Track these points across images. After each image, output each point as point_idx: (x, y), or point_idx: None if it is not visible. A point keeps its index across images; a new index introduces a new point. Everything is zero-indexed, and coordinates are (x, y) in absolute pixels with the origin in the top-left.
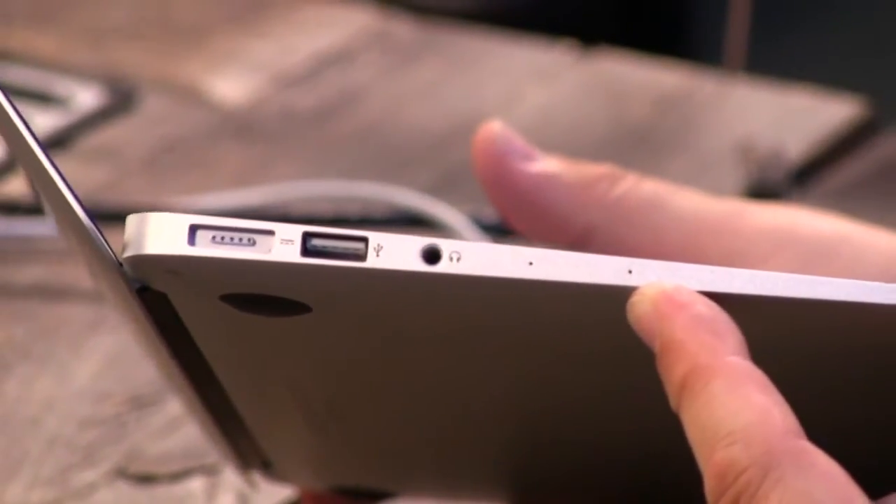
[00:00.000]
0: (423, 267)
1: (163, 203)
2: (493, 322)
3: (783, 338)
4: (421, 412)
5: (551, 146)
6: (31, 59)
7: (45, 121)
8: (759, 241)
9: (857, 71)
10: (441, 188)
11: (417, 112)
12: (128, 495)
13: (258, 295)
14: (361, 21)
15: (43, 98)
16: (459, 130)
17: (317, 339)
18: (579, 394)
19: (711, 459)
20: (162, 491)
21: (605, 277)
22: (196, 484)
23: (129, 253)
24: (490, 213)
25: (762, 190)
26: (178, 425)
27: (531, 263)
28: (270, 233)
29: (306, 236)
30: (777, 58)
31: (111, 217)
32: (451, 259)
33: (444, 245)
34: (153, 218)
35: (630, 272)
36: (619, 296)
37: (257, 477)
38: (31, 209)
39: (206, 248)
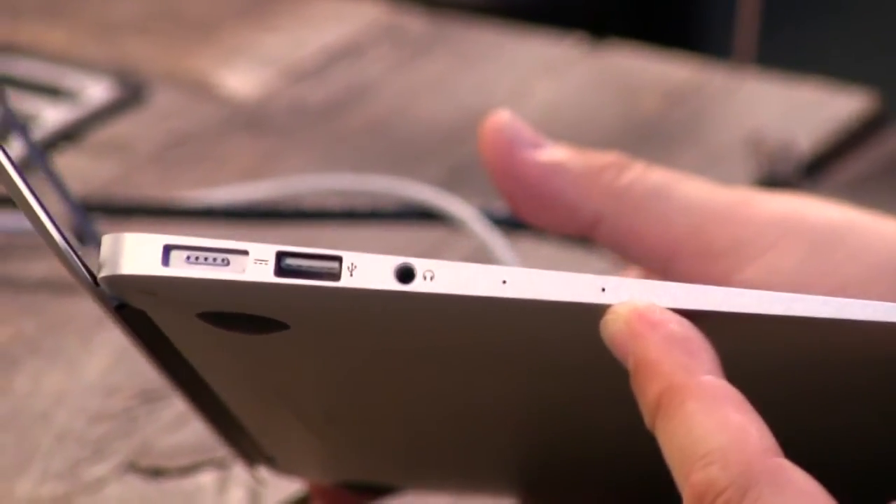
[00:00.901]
0: (396, 286)
1: (171, 197)
2: (468, 339)
3: (758, 354)
4: (410, 416)
5: (561, 139)
6: (41, 53)
7: (54, 115)
8: (766, 229)
9: (866, 64)
10: (451, 182)
11: (427, 106)
12: (138, 489)
13: (235, 314)
14: (371, 15)
15: (53, 92)
16: (469, 124)
17: (298, 354)
18: (558, 406)
19: (689, 480)
20: (172, 485)
21: (579, 296)
22: (206, 478)
23: (104, 273)
24: (500, 207)
25: (773, 182)
26: (187, 419)
27: (504, 282)
28: (244, 252)
29: (280, 256)
30: (787, 51)
31: (121, 212)
32: (424, 278)
33: (418, 264)
34: (128, 238)
35: (603, 290)
36: (592, 314)
37: (265, 472)
38: None
39: (179, 269)
